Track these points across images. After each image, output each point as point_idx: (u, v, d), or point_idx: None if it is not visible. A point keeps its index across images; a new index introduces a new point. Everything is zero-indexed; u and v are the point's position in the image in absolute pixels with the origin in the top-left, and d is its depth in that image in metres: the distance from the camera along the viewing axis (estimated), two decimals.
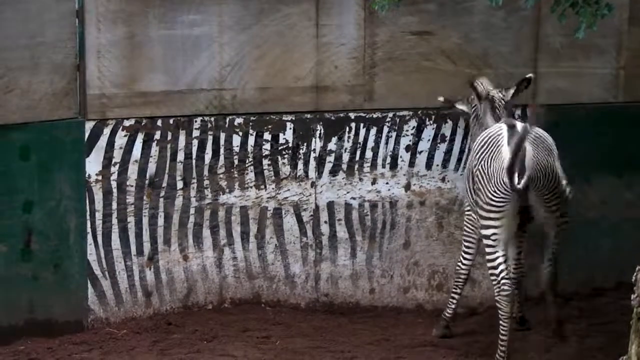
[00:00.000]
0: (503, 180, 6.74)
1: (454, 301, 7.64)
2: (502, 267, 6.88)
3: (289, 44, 7.79)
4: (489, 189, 6.82)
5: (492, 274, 6.94)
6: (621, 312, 7.14)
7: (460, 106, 7.70)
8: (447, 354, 7.36)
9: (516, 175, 6.62)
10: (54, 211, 7.44)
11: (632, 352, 5.53)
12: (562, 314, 7.42)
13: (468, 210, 7.43)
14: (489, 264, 6.94)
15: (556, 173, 6.89)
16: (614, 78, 8.30)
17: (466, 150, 7.89)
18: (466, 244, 7.55)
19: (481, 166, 6.89)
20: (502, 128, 6.93)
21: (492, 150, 6.86)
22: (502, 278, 6.88)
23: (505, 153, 6.76)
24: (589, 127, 8.22)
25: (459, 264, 7.59)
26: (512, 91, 7.51)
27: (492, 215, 6.85)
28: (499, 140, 6.86)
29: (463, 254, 7.57)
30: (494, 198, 6.82)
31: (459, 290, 7.62)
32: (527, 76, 7.56)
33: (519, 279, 7.39)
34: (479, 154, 6.94)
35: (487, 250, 6.94)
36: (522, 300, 7.69)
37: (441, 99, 7.70)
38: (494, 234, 6.87)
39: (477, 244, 7.51)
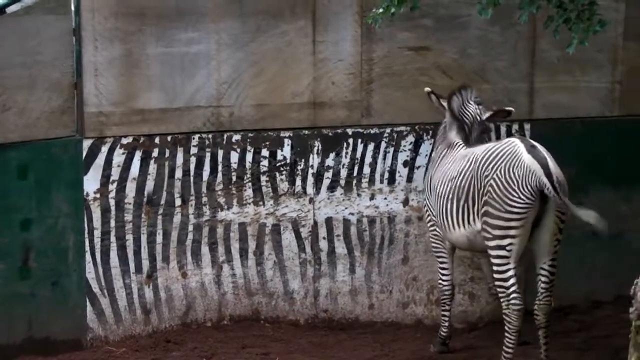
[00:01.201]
0: (529, 185, 6.66)
1: (446, 319, 7.60)
2: (512, 280, 6.78)
3: (286, 60, 7.80)
4: (510, 196, 6.71)
5: (500, 287, 6.82)
6: (620, 326, 7.14)
7: (443, 104, 7.52)
8: None
9: (554, 179, 6.57)
10: (52, 229, 7.44)
11: None
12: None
13: (432, 227, 7.44)
14: (498, 276, 6.83)
15: (566, 185, 6.83)
16: (610, 92, 8.31)
17: (436, 161, 7.55)
18: (440, 259, 7.54)
19: (496, 175, 6.77)
20: (514, 141, 6.87)
21: (509, 159, 6.76)
22: (513, 292, 6.77)
23: (530, 160, 6.69)
24: (586, 141, 8.23)
25: (440, 281, 7.57)
26: (488, 114, 7.43)
27: (512, 223, 6.72)
28: (515, 150, 6.77)
29: (440, 270, 7.55)
30: (516, 204, 6.69)
31: (448, 307, 7.58)
32: (508, 109, 7.47)
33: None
34: (490, 165, 6.83)
35: (498, 261, 6.80)
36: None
37: (428, 89, 7.57)
38: (511, 244, 6.74)
39: (451, 257, 7.51)
